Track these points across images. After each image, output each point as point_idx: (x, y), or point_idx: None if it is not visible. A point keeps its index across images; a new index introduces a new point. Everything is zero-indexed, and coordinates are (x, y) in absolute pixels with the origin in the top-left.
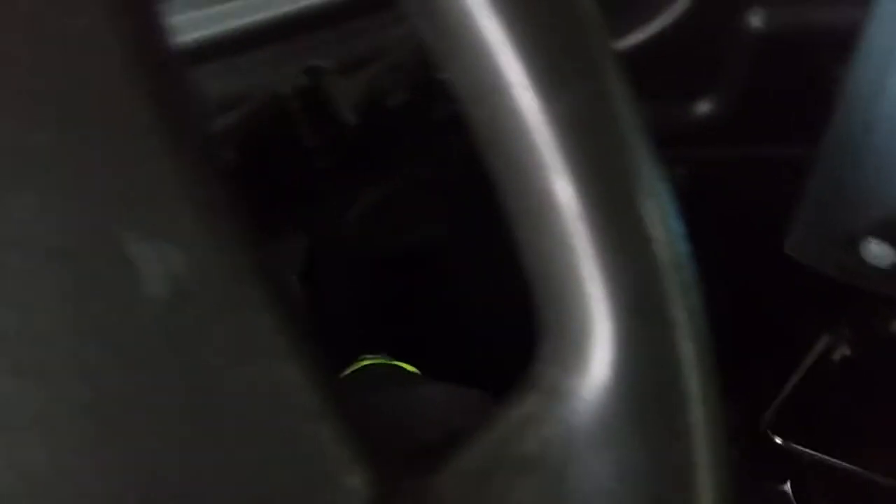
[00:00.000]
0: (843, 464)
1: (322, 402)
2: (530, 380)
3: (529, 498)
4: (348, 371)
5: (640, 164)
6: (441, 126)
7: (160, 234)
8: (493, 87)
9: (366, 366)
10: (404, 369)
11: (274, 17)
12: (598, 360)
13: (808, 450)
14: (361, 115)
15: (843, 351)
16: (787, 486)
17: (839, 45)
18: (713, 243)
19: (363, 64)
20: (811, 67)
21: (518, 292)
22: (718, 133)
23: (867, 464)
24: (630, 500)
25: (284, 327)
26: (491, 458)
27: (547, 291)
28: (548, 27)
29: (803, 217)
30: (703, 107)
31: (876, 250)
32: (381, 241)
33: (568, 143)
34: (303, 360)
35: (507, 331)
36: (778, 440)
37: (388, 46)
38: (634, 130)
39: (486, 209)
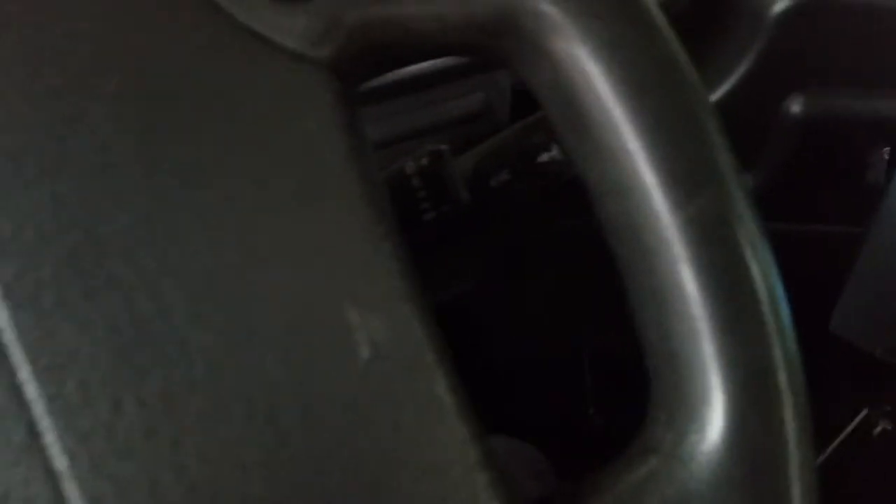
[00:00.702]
0: None
1: (481, 455)
2: (646, 443)
3: None
4: None
5: (759, 257)
6: (535, 206)
7: (370, 304)
8: (631, 189)
9: None
10: None
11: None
12: (713, 428)
13: None
14: (471, 193)
15: (885, 425)
16: None
17: (876, 129)
18: None
19: (472, 145)
20: (849, 150)
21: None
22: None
23: None
24: None
25: (454, 388)
26: None
27: (667, 364)
28: (683, 139)
29: (850, 298)
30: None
31: None
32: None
33: (696, 238)
34: (468, 416)
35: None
36: None
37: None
38: (753, 227)
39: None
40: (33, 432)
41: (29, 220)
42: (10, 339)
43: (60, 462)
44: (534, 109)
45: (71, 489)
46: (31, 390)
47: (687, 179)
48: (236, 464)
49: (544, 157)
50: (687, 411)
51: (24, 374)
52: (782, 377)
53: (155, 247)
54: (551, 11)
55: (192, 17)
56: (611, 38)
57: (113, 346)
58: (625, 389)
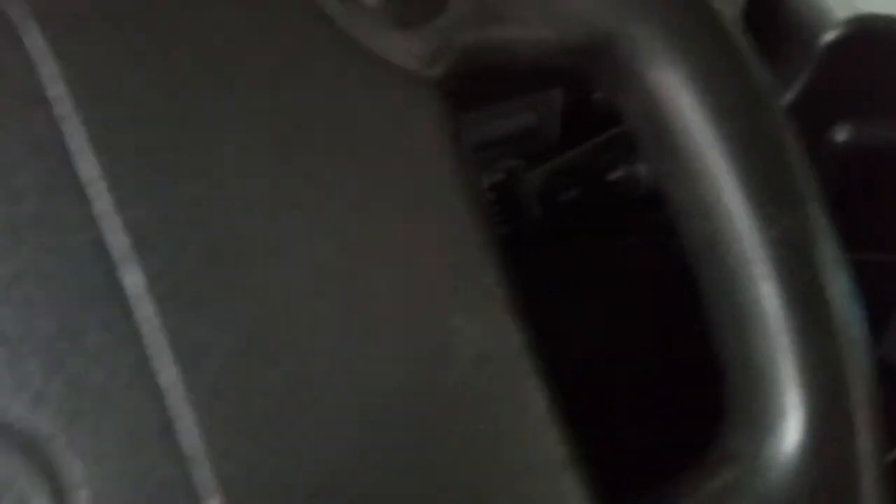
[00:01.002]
0: None
1: (571, 456)
2: (724, 453)
3: None
4: None
5: (838, 277)
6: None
7: (473, 310)
8: (717, 209)
9: None
10: None
11: None
12: (791, 440)
13: None
14: (543, 208)
15: None
16: None
17: None
18: None
19: (543, 160)
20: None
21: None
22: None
23: None
24: None
25: (548, 392)
26: None
27: (747, 378)
28: (769, 163)
29: None
30: None
31: None
32: None
33: (779, 258)
34: (559, 418)
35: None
36: None
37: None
38: (833, 249)
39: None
40: (166, 418)
41: (173, 216)
42: (150, 329)
43: (191, 447)
44: (583, 131)
45: (201, 473)
46: (167, 377)
47: (771, 202)
48: (348, 456)
49: (613, 176)
50: (766, 424)
51: (161, 362)
52: (858, 393)
53: (285, 248)
54: (645, 38)
55: (321, 41)
56: (702, 64)
57: (245, 338)
58: (660, 409)
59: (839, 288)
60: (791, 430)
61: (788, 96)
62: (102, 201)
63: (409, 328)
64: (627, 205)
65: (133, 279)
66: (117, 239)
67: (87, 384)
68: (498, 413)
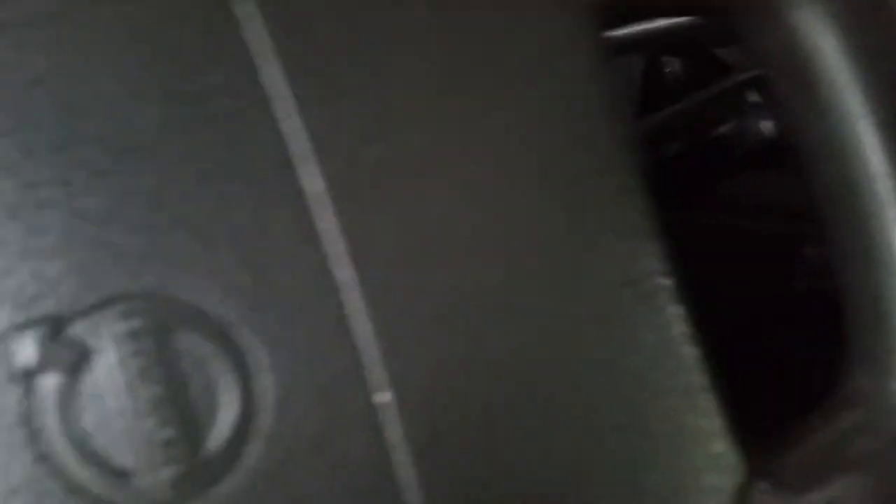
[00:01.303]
0: None
1: (709, 379)
2: (850, 396)
3: (857, 495)
4: None
5: None
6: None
7: (624, 235)
8: (853, 150)
9: None
10: None
11: None
12: None
13: None
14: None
15: None
16: None
17: None
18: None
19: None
20: None
21: None
22: None
23: None
24: None
25: (688, 316)
26: (828, 456)
27: (875, 321)
28: None
29: None
30: None
31: None
32: None
33: None
34: (698, 342)
35: None
36: None
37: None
38: None
39: None
40: (342, 313)
41: (349, 126)
42: (328, 228)
43: (365, 342)
44: (658, 100)
45: (374, 367)
46: (343, 275)
47: None
48: (502, 363)
49: (720, 130)
50: (892, 364)
51: (338, 260)
52: None
53: (446, 163)
54: None
55: None
56: (844, 4)
57: (411, 244)
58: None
59: None
60: None
61: None
62: (284, 105)
63: (564, 251)
64: (734, 159)
65: (312, 181)
66: (299, 143)
67: (272, 277)
68: (641, 337)
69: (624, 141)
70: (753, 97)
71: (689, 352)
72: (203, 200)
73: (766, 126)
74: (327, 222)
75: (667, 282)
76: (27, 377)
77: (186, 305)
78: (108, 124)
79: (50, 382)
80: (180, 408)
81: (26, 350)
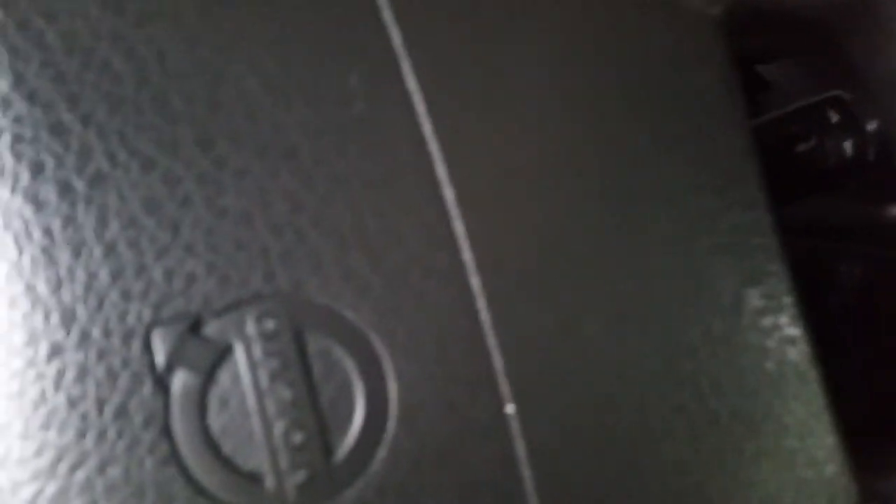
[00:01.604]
0: None
1: (828, 402)
2: None
3: None
4: None
5: None
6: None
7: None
8: None
9: None
10: None
11: None
12: None
13: None
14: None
15: None
16: None
17: None
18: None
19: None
20: None
21: None
22: None
23: None
24: None
25: (810, 336)
26: None
27: None
28: None
29: None
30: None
31: None
32: None
33: None
34: (819, 366)
35: None
36: None
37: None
38: None
39: None
40: (476, 322)
41: (480, 134)
42: (464, 232)
43: (496, 351)
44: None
45: (502, 380)
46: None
47: None
48: (622, 380)
49: (802, 147)
50: None
51: (473, 267)
52: None
53: (565, 160)
54: None
55: None
56: None
57: (548, 248)
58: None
59: None
60: None
61: None
62: (427, 108)
63: (679, 264)
64: (813, 177)
65: (451, 192)
66: (437, 151)
67: (405, 281)
68: (766, 366)
69: (752, 154)
70: (835, 117)
71: (811, 373)
72: (340, 203)
73: (847, 146)
74: (464, 228)
75: (789, 299)
76: (161, 375)
77: (321, 308)
78: (249, 123)
79: (183, 381)
80: (313, 412)
81: (161, 348)
